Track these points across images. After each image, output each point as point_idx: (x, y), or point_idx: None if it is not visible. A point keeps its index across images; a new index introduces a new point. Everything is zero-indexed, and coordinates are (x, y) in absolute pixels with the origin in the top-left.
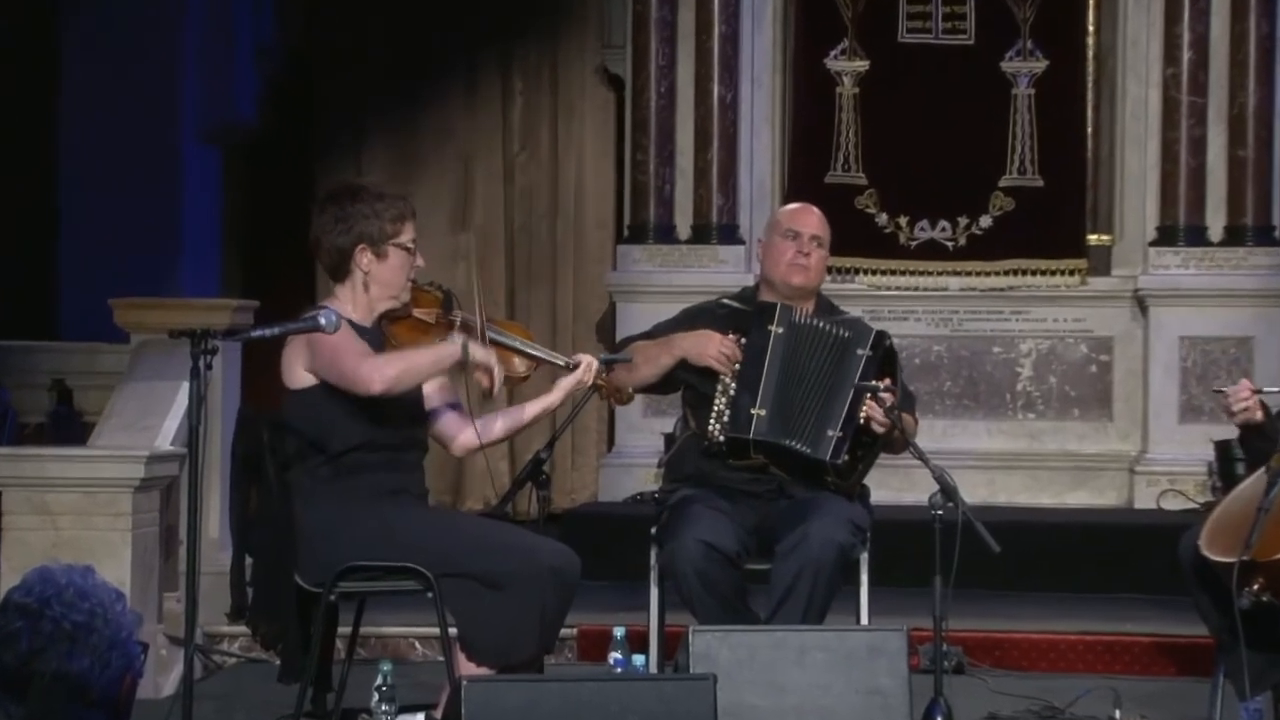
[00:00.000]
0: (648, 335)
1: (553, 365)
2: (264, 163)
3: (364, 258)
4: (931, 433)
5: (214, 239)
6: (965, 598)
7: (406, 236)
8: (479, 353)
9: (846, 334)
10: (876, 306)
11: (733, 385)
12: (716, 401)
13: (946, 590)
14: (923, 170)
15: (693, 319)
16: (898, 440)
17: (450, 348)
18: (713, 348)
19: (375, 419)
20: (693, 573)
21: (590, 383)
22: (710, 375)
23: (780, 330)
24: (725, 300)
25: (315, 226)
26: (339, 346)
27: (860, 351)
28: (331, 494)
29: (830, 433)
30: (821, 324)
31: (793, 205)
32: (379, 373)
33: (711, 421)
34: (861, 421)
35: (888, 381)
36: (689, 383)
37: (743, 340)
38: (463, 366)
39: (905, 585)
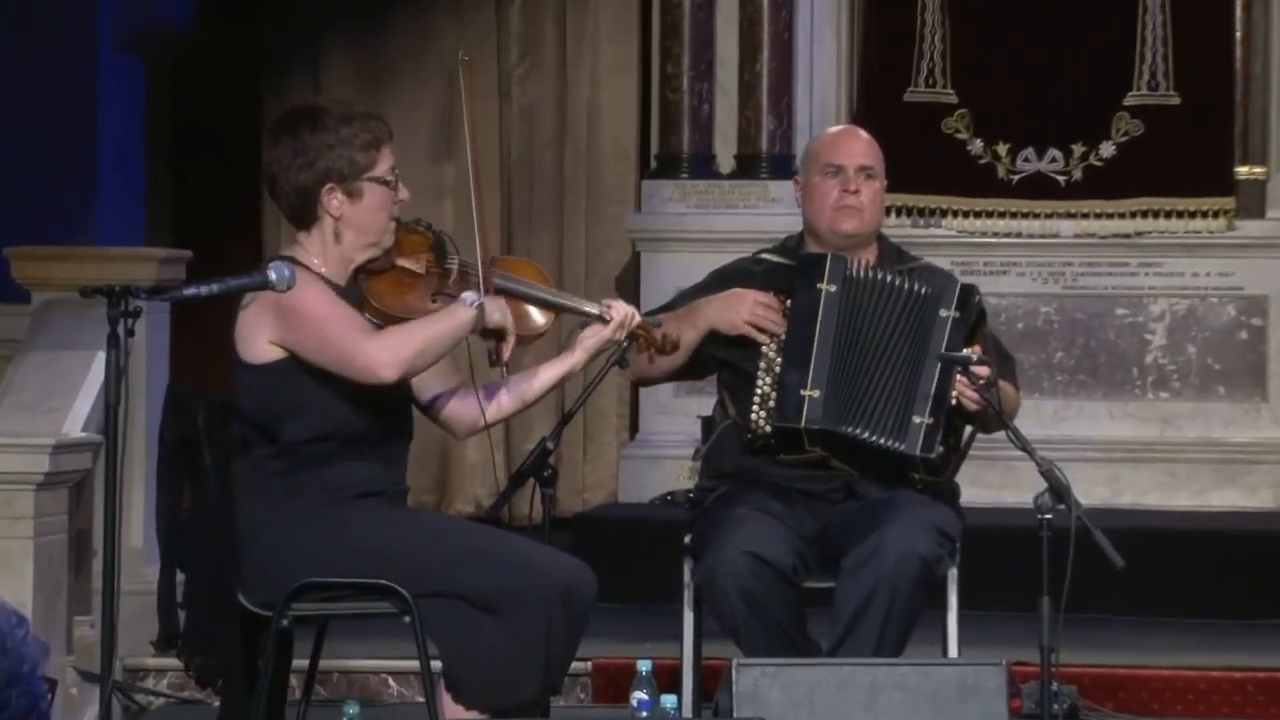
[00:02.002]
0: (669, 308)
1: (579, 314)
2: (198, 77)
3: (332, 199)
4: (1038, 416)
5: (136, 173)
6: (1080, 624)
7: (384, 166)
8: (496, 313)
9: (923, 289)
10: (969, 257)
11: (778, 361)
12: (759, 382)
13: (1057, 615)
14: (1027, 85)
15: (725, 282)
16: (992, 418)
17: (464, 311)
18: (744, 310)
19: (351, 400)
20: (737, 592)
21: (623, 339)
22: (749, 349)
23: (832, 288)
24: (763, 254)
25: (268, 162)
26: (328, 316)
27: (944, 313)
28: (285, 492)
29: (917, 419)
30: (888, 277)
31: (831, 131)
32: (391, 354)
33: (754, 407)
34: (952, 403)
35: (978, 350)
36: (724, 360)
37: (788, 302)
38: (478, 332)
39: (1004, 609)
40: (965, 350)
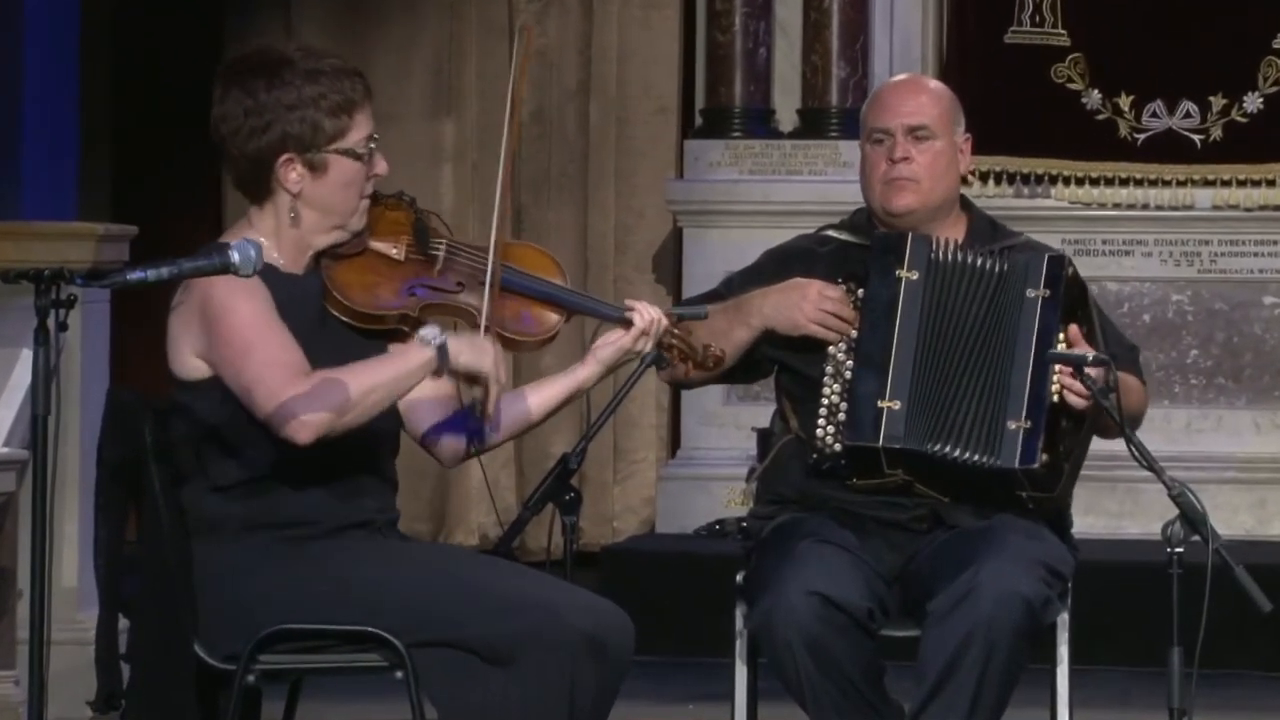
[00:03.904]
0: (717, 296)
1: (594, 316)
2: (145, 15)
3: (290, 172)
4: (1168, 428)
5: (68, 133)
6: (1219, 681)
7: (357, 135)
8: (466, 354)
9: (1004, 267)
10: (1083, 233)
11: (848, 364)
12: (826, 390)
13: (1190, 670)
14: (1155, 24)
15: (783, 266)
16: (1109, 421)
17: (418, 353)
18: (808, 305)
19: None
20: (801, 642)
21: (649, 349)
22: (813, 348)
23: (914, 275)
24: (829, 231)
25: (216, 119)
26: (254, 343)
27: (1031, 293)
28: (251, 522)
29: (1012, 425)
30: (978, 259)
31: (884, 85)
32: (312, 413)
33: (820, 421)
34: (1054, 401)
35: (1075, 336)
36: (783, 363)
37: (860, 291)
38: (441, 375)
39: (1126, 662)
40: (1061, 335)
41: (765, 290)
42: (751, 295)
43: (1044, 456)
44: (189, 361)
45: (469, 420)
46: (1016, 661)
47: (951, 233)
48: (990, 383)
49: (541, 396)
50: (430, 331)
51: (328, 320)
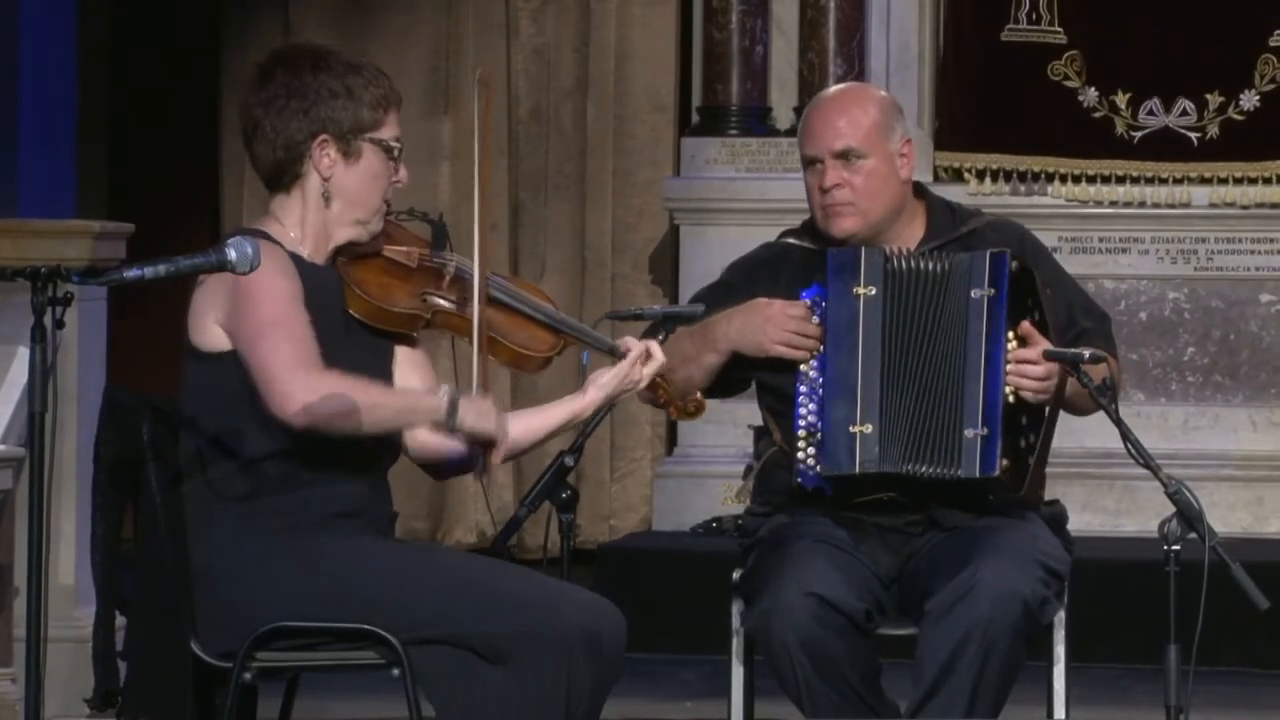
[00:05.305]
0: (686, 320)
1: (586, 344)
2: (143, 11)
3: (324, 155)
4: (1165, 426)
5: (65, 129)
6: (1216, 679)
7: (389, 132)
8: (471, 416)
9: (947, 268)
10: (1080, 231)
11: (820, 381)
12: (802, 409)
13: (1187, 668)
14: (1152, 22)
15: (752, 277)
16: (1080, 398)
17: (430, 400)
18: (771, 327)
19: None
20: (797, 642)
21: (645, 381)
22: (785, 366)
23: (871, 290)
24: (790, 239)
25: (254, 103)
26: (275, 319)
27: (977, 293)
28: (248, 518)
29: (969, 433)
30: (932, 264)
31: (814, 103)
32: (316, 399)
33: (800, 442)
34: (1010, 400)
35: (1026, 329)
36: (757, 380)
37: (824, 305)
38: (447, 430)
39: (1122, 660)
40: (1010, 333)
41: (729, 314)
42: (716, 320)
43: (1004, 462)
44: (211, 332)
45: (474, 464)
46: (1014, 661)
47: (909, 232)
48: (947, 392)
49: (544, 420)
50: (448, 388)
51: (351, 326)
